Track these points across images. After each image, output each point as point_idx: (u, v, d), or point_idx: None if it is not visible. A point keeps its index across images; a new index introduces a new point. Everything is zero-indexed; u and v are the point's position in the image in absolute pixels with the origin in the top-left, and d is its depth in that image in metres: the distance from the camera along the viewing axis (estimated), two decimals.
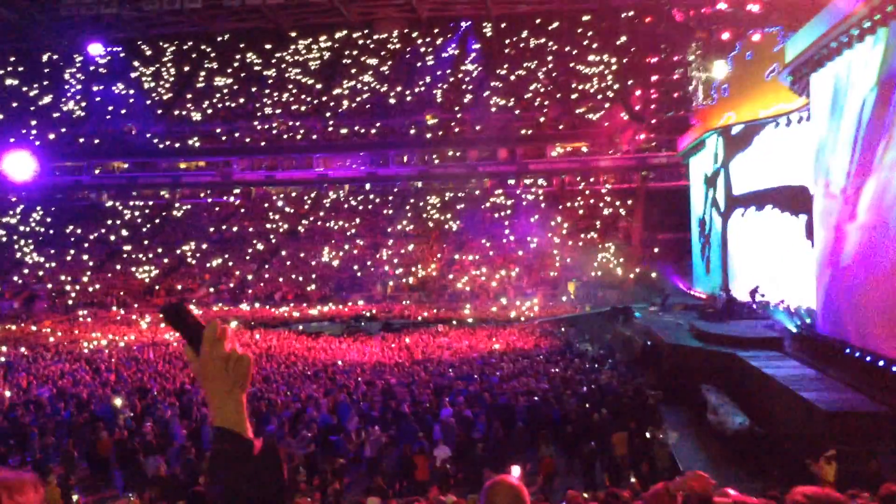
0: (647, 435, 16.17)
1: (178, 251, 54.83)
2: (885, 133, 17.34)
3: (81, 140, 64.07)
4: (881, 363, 16.54)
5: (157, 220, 59.92)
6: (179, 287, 50.58)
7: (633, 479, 14.06)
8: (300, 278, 50.86)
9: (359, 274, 51.01)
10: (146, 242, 56.30)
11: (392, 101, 62.94)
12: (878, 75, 17.78)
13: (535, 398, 19.62)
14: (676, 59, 53.76)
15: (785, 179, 29.12)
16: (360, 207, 59.02)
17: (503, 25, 63.03)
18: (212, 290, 49.69)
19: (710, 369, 22.14)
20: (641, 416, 18.14)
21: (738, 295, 29.78)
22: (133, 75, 66.90)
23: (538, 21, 62.10)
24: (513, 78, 61.72)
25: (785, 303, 26.75)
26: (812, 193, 23.35)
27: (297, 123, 63.17)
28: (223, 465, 1.67)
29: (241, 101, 65.04)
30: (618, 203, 54.91)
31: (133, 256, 54.49)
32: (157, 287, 50.89)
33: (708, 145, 36.80)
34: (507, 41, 63.20)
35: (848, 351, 18.29)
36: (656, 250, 47.93)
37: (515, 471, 12.82)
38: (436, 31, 64.18)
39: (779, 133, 29.47)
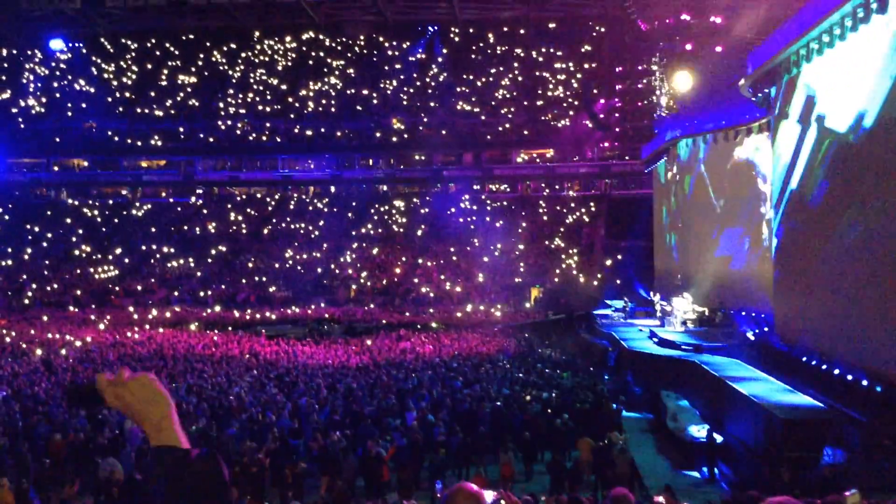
0: (607, 441, 16.30)
1: (139, 251, 54.02)
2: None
3: (41, 136, 62.81)
4: (836, 371, 16.88)
5: (117, 220, 58.94)
6: (139, 288, 49.82)
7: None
8: (263, 280, 50.42)
9: (322, 277, 50.72)
10: (106, 242, 55.37)
11: (358, 104, 62.74)
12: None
13: (498, 403, 19.67)
14: (641, 68, 54.37)
15: (744, 189, 29.61)
16: (325, 210, 58.70)
17: (470, 31, 63.19)
18: (175, 293, 49.04)
19: (670, 375, 22.43)
20: (602, 422, 18.29)
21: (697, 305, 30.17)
22: (94, 72, 65.77)
23: (505, 28, 62.36)
24: (479, 84, 61.91)
25: (743, 312, 27.19)
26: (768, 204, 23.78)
27: (262, 124, 62.66)
28: (164, 475, 1.80)
29: (205, 100, 64.31)
30: (582, 210, 55.36)
31: (92, 256, 53.55)
32: (116, 287, 50.07)
33: (670, 154, 37.25)
34: (474, 47, 63.36)
35: (805, 359, 18.64)
36: (619, 257, 48.39)
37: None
38: (403, 34, 64.10)
39: (739, 144, 29.94)
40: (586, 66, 60.92)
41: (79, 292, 48.87)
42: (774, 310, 23.07)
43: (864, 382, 15.55)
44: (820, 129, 19.62)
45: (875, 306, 16.47)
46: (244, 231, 57.01)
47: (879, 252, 16.33)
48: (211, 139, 62.62)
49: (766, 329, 23.94)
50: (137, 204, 61.37)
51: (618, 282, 44.14)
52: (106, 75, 65.97)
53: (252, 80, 65.14)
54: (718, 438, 16.96)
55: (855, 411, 15.19)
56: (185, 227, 57.54)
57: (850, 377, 16.15)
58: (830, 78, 18.97)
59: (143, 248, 54.33)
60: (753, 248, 28.88)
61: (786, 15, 20.78)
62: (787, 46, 20.17)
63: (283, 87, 64.50)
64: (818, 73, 19.57)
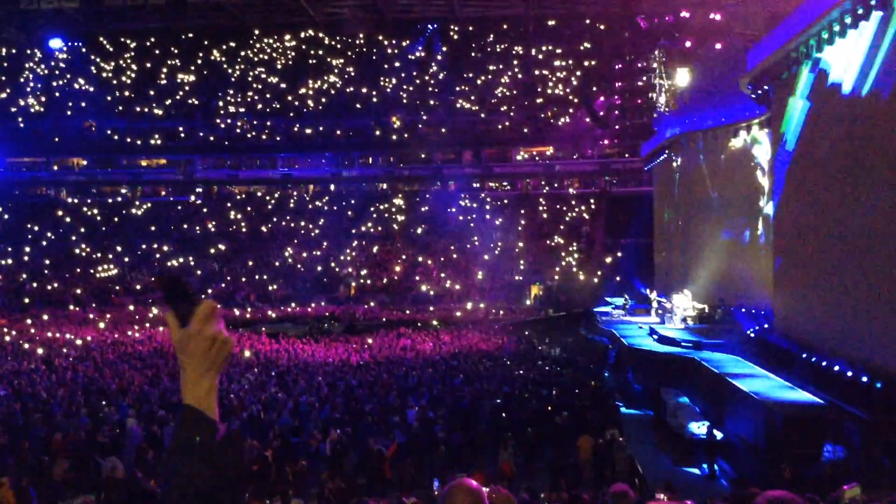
0: (608, 437, 16.32)
1: (138, 250, 54.02)
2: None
3: (40, 135, 62.77)
4: (836, 368, 16.89)
5: (117, 219, 58.93)
6: (139, 287, 49.81)
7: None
8: (263, 278, 50.42)
9: (322, 275, 50.72)
10: (105, 241, 55.35)
11: (357, 102, 62.70)
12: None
13: (498, 401, 19.68)
14: (640, 65, 54.35)
15: (743, 187, 29.63)
16: (325, 208, 58.69)
17: (470, 29, 63.12)
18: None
19: (670, 372, 22.45)
20: (602, 420, 18.32)
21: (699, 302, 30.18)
22: (94, 70, 65.71)
23: (504, 26, 62.29)
24: (479, 81, 61.87)
25: (743, 308, 27.21)
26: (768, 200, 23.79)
27: (262, 123, 62.62)
28: (186, 443, 1.65)
29: (205, 99, 64.27)
30: (581, 207, 55.36)
31: (92, 255, 53.55)
32: (116, 286, 50.07)
33: (670, 151, 37.23)
34: (474, 45, 63.31)
35: (805, 355, 18.65)
36: (619, 254, 48.39)
37: None
38: (402, 32, 64.03)
39: (739, 141, 29.93)
40: (586, 63, 60.85)
41: (79, 291, 48.86)
42: (774, 306, 23.09)
43: (865, 379, 15.56)
44: (819, 126, 19.63)
45: (875, 302, 16.48)
46: (244, 230, 57.01)
47: (879, 248, 16.33)
48: (211, 138, 62.58)
49: (765, 326, 23.96)
50: (137, 203, 61.35)
51: (618, 279, 44.13)
52: (105, 74, 65.89)
53: (251, 79, 65.10)
54: (718, 435, 17.00)
55: (855, 408, 15.20)
56: (185, 226, 57.53)
57: (850, 373, 16.16)
58: (830, 74, 18.98)
59: (143, 246, 54.31)
60: (753, 245, 28.89)
61: (785, 12, 20.76)
62: (787, 43, 20.15)
63: (283, 85, 64.45)
64: (817, 69, 19.57)
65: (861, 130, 17.42)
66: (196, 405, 1.69)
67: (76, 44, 66.83)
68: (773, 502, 2.28)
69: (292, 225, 57.08)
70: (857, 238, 17.36)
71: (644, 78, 52.76)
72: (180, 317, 1.75)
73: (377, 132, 61.10)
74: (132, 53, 66.74)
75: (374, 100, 62.71)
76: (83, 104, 63.52)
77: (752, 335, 23.64)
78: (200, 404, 1.69)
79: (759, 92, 24.21)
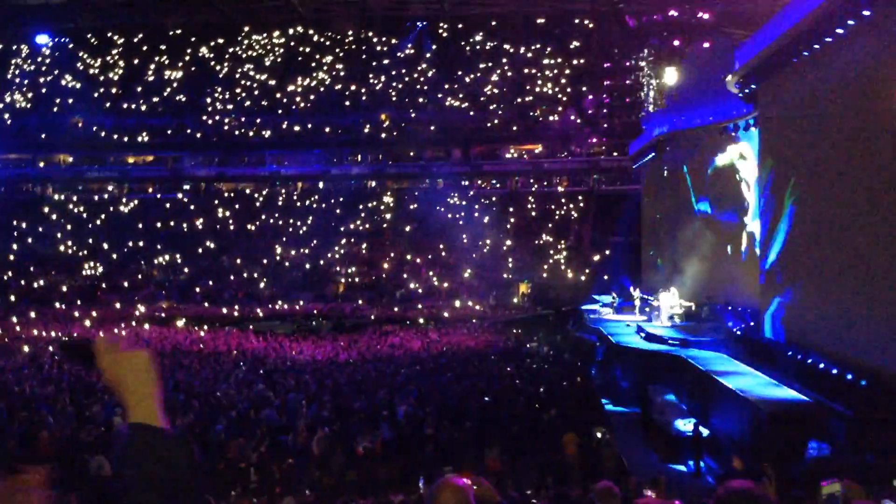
0: (595, 435, 16.38)
1: (125, 247, 53.76)
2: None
3: (26, 132, 62.36)
4: (822, 365, 17.01)
5: (104, 216, 58.62)
6: (126, 284, 49.59)
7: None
8: (252, 276, 50.29)
9: (310, 273, 50.64)
10: (92, 238, 55.04)
11: (346, 99, 62.59)
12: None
13: (486, 399, 19.72)
14: (629, 64, 54.51)
15: (731, 184, 29.78)
16: (313, 206, 58.57)
17: (459, 27, 63.12)
18: (163, 290, 48.88)
19: (657, 370, 22.55)
20: (590, 417, 18.38)
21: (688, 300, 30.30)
22: (81, 67, 65.33)
23: (493, 24, 62.32)
24: (468, 79, 61.87)
25: (730, 306, 27.35)
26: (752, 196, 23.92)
27: (250, 120, 62.39)
28: (137, 454, 1.77)
29: (193, 95, 64.00)
30: (570, 205, 55.48)
31: (78, 252, 53.27)
32: (102, 283, 49.83)
33: (658, 150, 37.35)
34: (463, 43, 63.32)
35: (790, 353, 18.78)
36: (607, 252, 48.53)
37: None
38: (391, 30, 63.96)
39: (726, 139, 30.07)
40: (574, 62, 60.97)
41: (65, 288, 48.60)
42: (760, 304, 23.23)
43: (849, 377, 15.68)
44: (805, 125, 19.74)
45: (860, 300, 16.61)
46: (232, 227, 56.82)
47: (863, 246, 16.46)
48: (198, 135, 62.30)
49: (752, 323, 24.10)
50: (124, 200, 61.03)
51: (605, 277, 44.24)
52: (92, 70, 65.54)
53: (239, 76, 64.87)
54: (705, 432, 17.09)
55: (840, 405, 15.31)
56: (173, 224, 57.27)
57: (835, 371, 16.28)
58: (817, 75, 19.09)
59: (130, 244, 54.06)
60: (739, 242, 29.04)
61: (773, 11, 20.87)
62: (774, 42, 20.26)
63: (272, 82, 64.27)
64: (804, 70, 19.68)
65: (847, 129, 17.53)
66: (140, 420, 1.84)
67: (63, 40, 66.46)
68: (734, 493, 2.31)
69: (280, 222, 56.92)
70: (842, 237, 17.48)
71: (632, 76, 52.96)
72: (88, 363, 1.97)
73: (366, 129, 60.98)
74: (120, 49, 66.41)
75: (363, 97, 62.62)
76: (70, 100, 63.15)
77: (739, 333, 23.77)
78: (142, 419, 1.84)
79: (747, 90, 24.35)
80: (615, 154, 55.17)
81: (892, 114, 15.34)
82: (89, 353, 1.96)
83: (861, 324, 16.46)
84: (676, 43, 40.63)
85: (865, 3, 15.84)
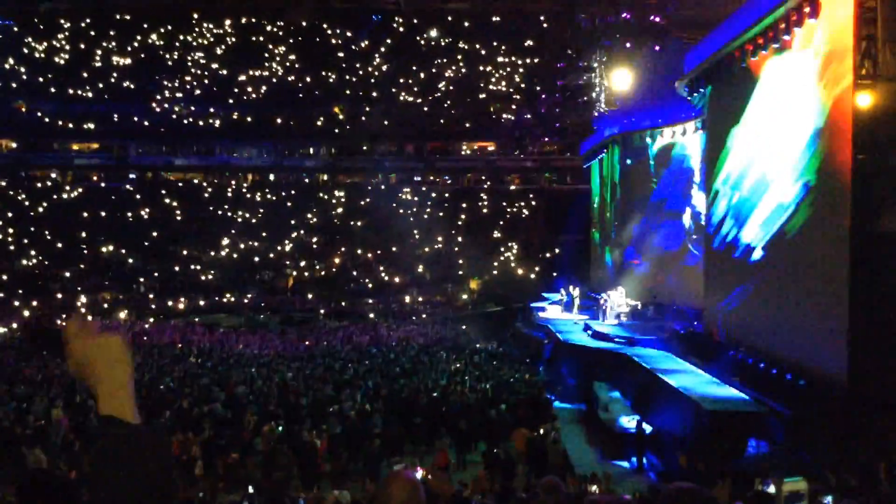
0: (542, 431, 16.54)
1: (68, 237, 52.43)
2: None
3: None
4: (762, 365, 17.42)
5: (46, 204, 57.05)
6: (68, 274, 48.40)
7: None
8: (198, 268, 49.51)
9: (260, 266, 50.06)
10: (34, 227, 53.53)
11: (299, 91, 61.93)
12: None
13: (434, 394, 19.76)
14: (582, 64, 55.02)
15: (677, 185, 30.32)
16: (264, 198, 57.87)
17: (414, 22, 62.93)
18: (106, 281, 47.81)
19: (603, 367, 22.83)
20: (537, 414, 18.54)
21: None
22: (25, 51, 63.41)
23: (449, 19, 62.30)
24: (422, 75, 61.78)
25: (675, 307, 27.84)
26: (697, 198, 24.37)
27: (200, 109, 61.30)
28: (107, 451, 1.63)
29: (141, 83, 62.58)
30: (521, 203, 55.83)
31: (20, 241, 51.78)
32: (44, 273, 48.54)
33: (609, 150, 37.82)
34: (418, 38, 63.18)
35: (732, 353, 19.19)
36: (557, 251, 48.97)
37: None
38: (346, 22, 63.47)
39: (674, 141, 30.58)
40: (528, 60, 61.32)
41: (4, 277, 47.24)
42: (704, 305, 23.69)
43: (789, 376, 16.09)
44: (750, 129, 20.17)
45: (798, 303, 17.03)
46: (179, 217, 55.81)
47: (802, 249, 16.89)
48: (146, 123, 61.00)
49: (695, 323, 24.57)
50: (68, 188, 59.49)
51: (555, 275, 44.66)
52: (37, 55, 63.65)
53: (190, 64, 63.68)
54: (648, 429, 17.36)
55: (779, 404, 15.70)
56: (118, 213, 55.98)
57: (774, 371, 16.69)
58: (762, 81, 19.51)
59: (73, 233, 52.73)
60: (685, 243, 29.58)
61: (724, 16, 21.26)
62: (723, 47, 20.66)
63: (223, 72, 63.24)
64: (752, 75, 20.10)
65: (789, 137, 17.95)
66: (110, 413, 1.67)
67: (7, 22, 64.42)
68: (678, 493, 2.36)
69: (229, 214, 56.11)
70: (779, 240, 17.90)
71: (585, 77, 53.48)
72: (56, 350, 1.80)
73: (319, 122, 60.45)
74: (66, 34, 64.62)
75: (316, 91, 62.04)
76: (13, 85, 61.27)
77: (682, 332, 24.21)
78: (113, 412, 1.67)
79: (696, 94, 24.79)
80: (567, 154, 55.64)
81: (826, 127, 15.77)
82: (57, 338, 1.79)
83: (800, 325, 16.89)
84: (628, 45, 41.16)
85: (812, 12, 16.21)
